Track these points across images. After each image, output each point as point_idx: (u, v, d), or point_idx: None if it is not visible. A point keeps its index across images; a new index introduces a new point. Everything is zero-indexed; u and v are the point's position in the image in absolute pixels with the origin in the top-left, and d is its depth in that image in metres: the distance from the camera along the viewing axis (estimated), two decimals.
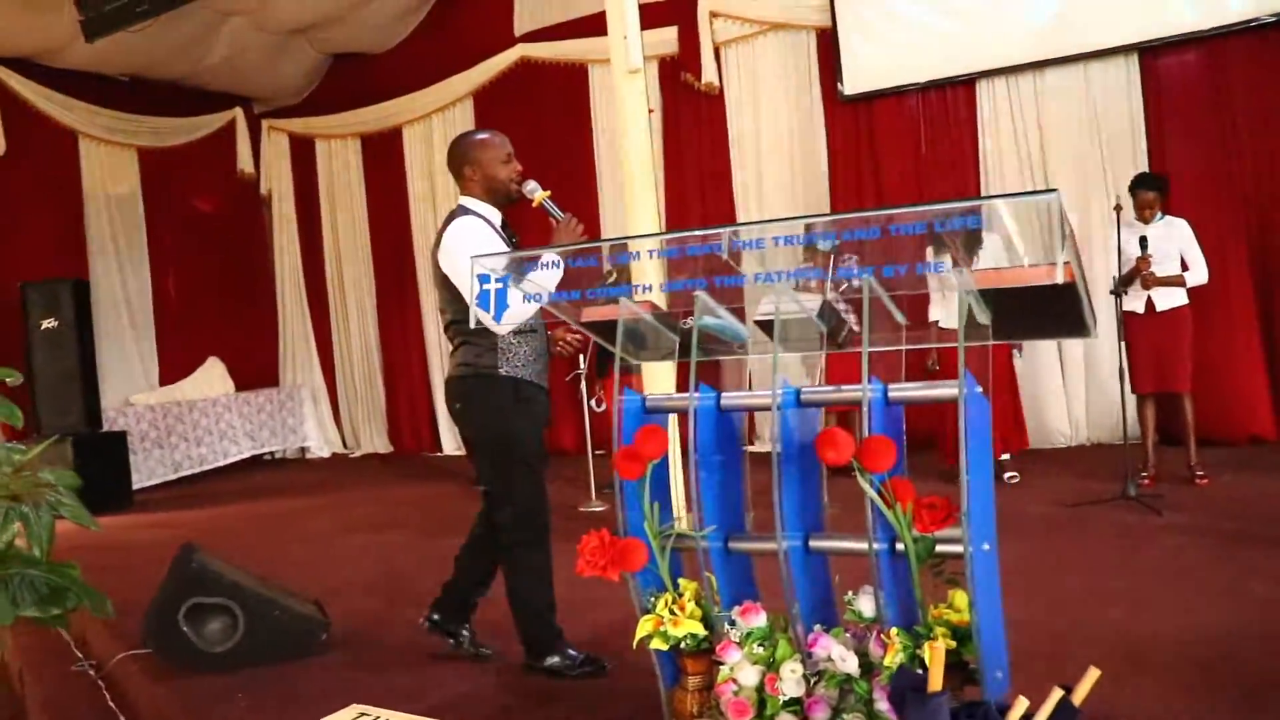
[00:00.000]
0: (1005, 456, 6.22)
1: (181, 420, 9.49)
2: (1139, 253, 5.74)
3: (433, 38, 10.02)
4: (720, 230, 2.39)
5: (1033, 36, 7.42)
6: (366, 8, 9.58)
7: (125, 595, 3.22)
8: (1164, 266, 5.79)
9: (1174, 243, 5.82)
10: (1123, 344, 5.72)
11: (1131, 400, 5.77)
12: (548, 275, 2.74)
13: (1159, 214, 5.87)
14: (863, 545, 2.33)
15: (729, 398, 2.61)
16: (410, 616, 3.89)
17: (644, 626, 2.59)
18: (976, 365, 2.36)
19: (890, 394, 2.38)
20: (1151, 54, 7.18)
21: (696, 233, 2.36)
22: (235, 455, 9.92)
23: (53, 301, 8.26)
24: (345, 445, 10.93)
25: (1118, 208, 5.69)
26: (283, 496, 8.39)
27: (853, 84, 8.01)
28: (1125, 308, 6.01)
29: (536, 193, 3.39)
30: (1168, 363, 5.82)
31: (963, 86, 7.76)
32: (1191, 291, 6.19)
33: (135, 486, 8.58)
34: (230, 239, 10.77)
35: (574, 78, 9.27)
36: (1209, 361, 6.86)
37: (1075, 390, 7.36)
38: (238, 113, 10.81)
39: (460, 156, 3.49)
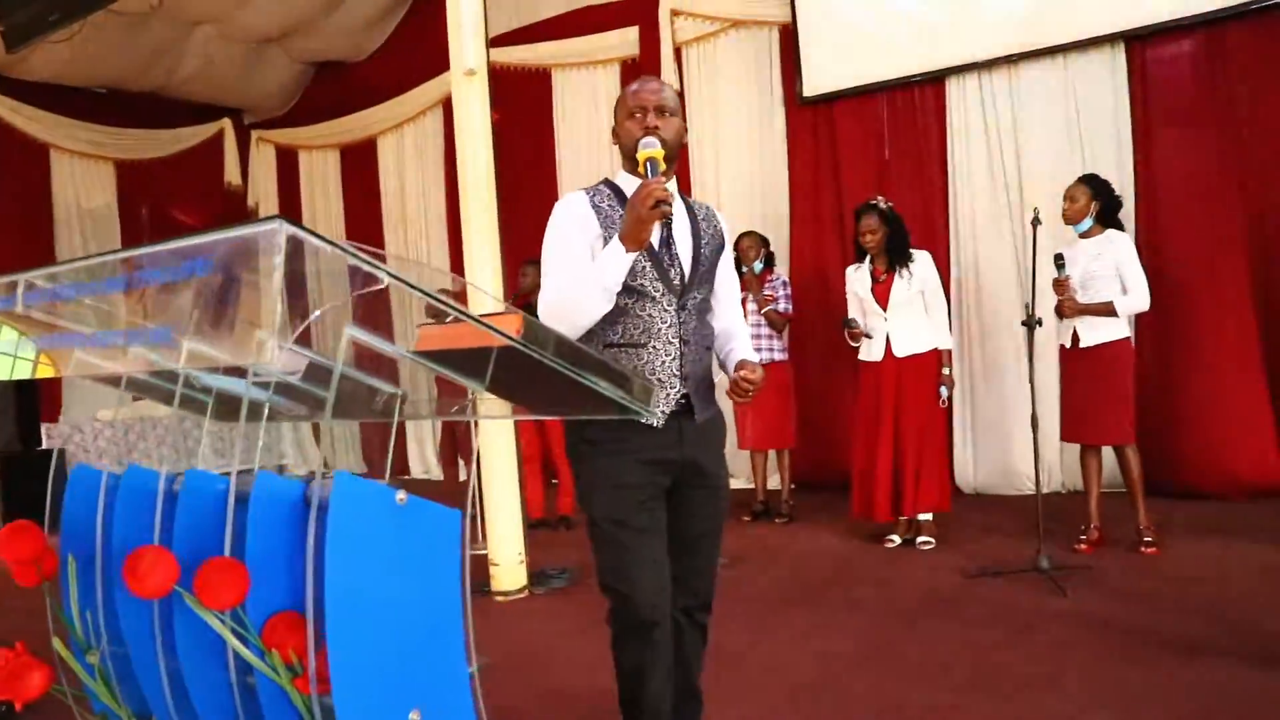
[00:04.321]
0: (924, 517, 5.36)
1: (144, 438, 9.25)
2: (1057, 274, 4.88)
3: (405, 46, 9.64)
4: None
5: (1007, 27, 6.59)
6: (333, 16, 9.27)
7: None
8: (1095, 291, 4.91)
9: (1109, 261, 4.91)
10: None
11: (1054, 449, 4.88)
12: (627, 265, 2.31)
13: (1088, 219, 4.98)
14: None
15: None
16: None
17: None
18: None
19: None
20: (1139, 43, 6.28)
21: None
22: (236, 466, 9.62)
23: None
24: (326, 465, 10.58)
25: (1035, 221, 4.80)
26: None
27: (812, 85, 7.31)
28: (1058, 341, 5.14)
29: (642, 150, 2.37)
30: (1094, 410, 4.93)
31: (931, 85, 6.97)
32: (1144, 320, 5.28)
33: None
34: None
35: (539, 82, 8.72)
36: (1199, 397, 5.92)
37: (1048, 431, 6.41)
38: (226, 124, 10.65)
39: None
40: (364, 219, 10.12)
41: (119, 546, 2.00)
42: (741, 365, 2.47)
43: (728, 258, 2.64)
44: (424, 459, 9.47)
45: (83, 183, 9.65)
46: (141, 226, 10.02)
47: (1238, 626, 3.66)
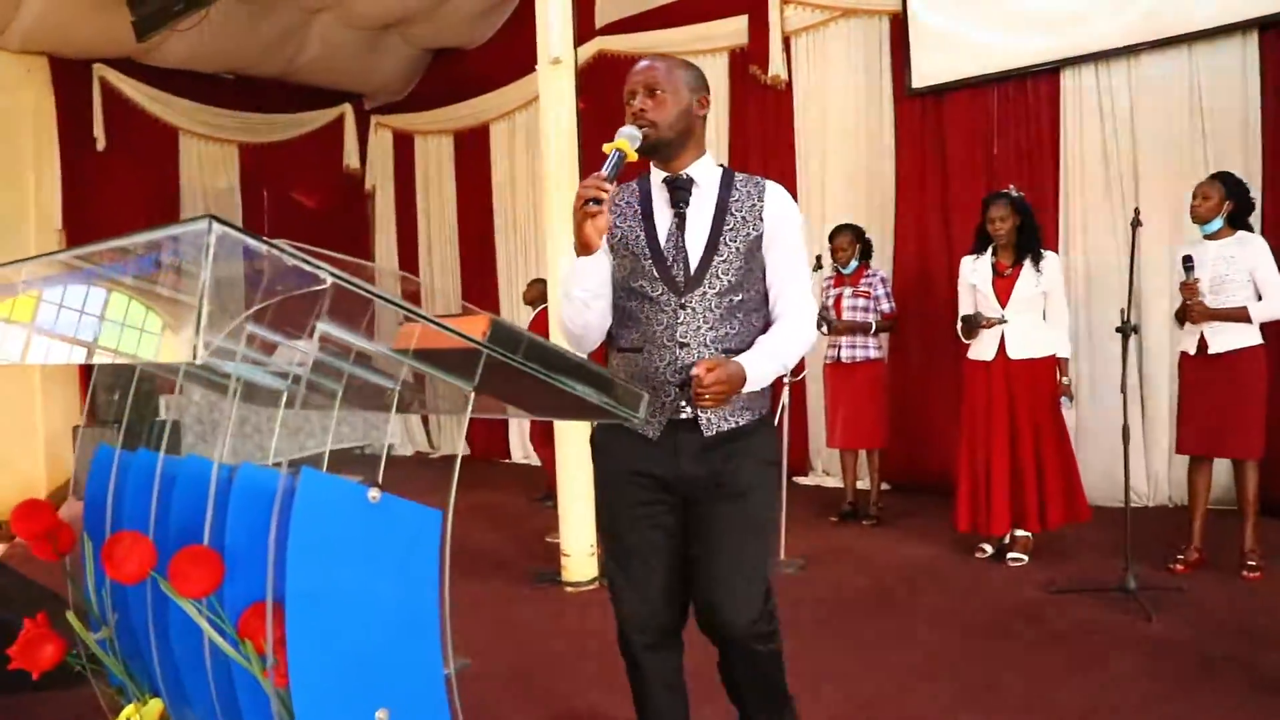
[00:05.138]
0: (1021, 533, 5.09)
1: (256, 411, 9.54)
2: (1185, 277, 4.59)
3: (519, 33, 9.65)
4: None
5: (1129, 15, 6.22)
6: (448, 3, 9.37)
7: None
8: (1227, 295, 4.60)
9: (1243, 264, 4.60)
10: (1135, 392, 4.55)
11: (1144, 463, 4.61)
12: (584, 270, 2.24)
13: (1218, 220, 4.66)
14: None
15: None
16: None
17: None
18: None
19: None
20: (1276, 31, 5.82)
21: None
22: (313, 448, 9.92)
23: None
24: (431, 444, 10.79)
25: (1135, 222, 4.52)
26: None
27: (921, 76, 7.06)
28: (1180, 347, 4.84)
29: (617, 139, 2.22)
30: (1221, 421, 4.61)
31: (1044, 77, 6.64)
32: (1274, 329, 4.94)
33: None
34: (333, 234, 10.79)
35: None
36: None
37: (1157, 441, 6.09)
38: (346, 109, 10.90)
39: None
40: (475, 204, 10.24)
41: (126, 528, 2.04)
42: (701, 362, 2.08)
43: (782, 242, 2.30)
44: (524, 444, 9.53)
45: (208, 165, 10.00)
46: (262, 208, 10.37)
47: None
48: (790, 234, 2.31)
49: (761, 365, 2.19)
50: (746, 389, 2.16)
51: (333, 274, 1.34)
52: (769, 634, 2.33)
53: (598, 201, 2.05)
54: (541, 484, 7.47)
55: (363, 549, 1.67)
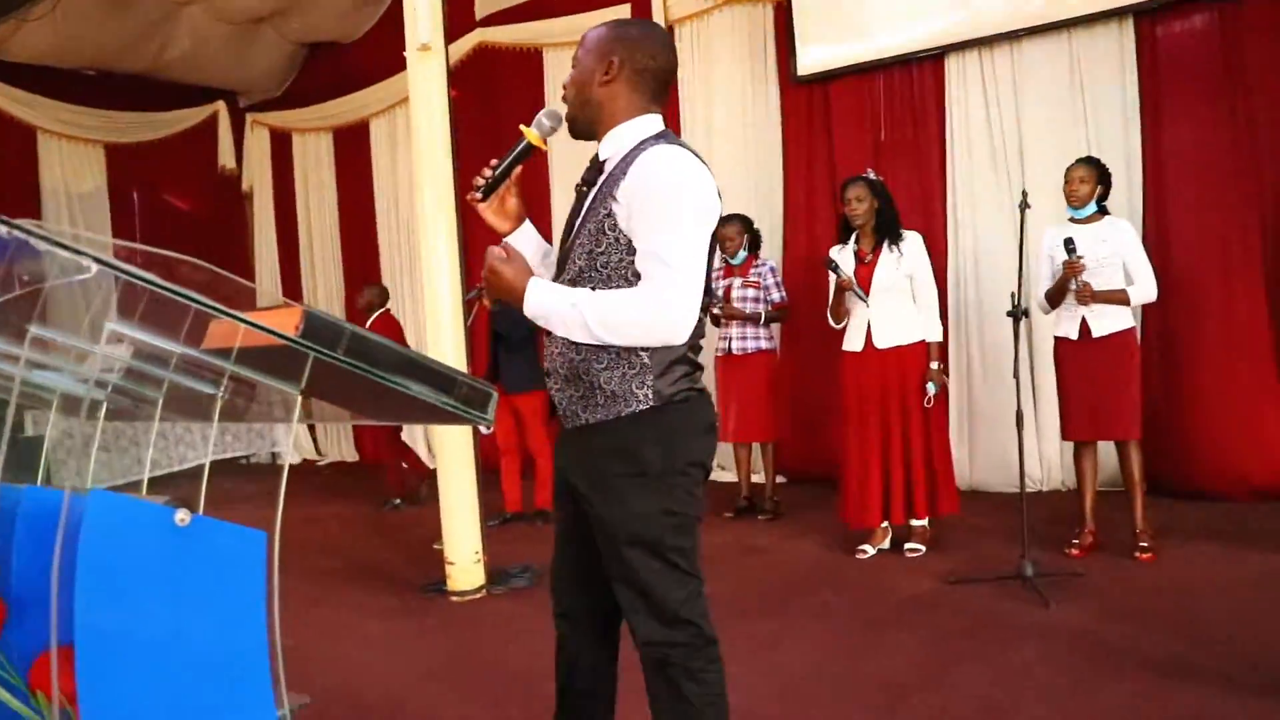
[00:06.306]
0: (916, 523, 5.01)
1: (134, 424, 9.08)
2: (1065, 256, 4.57)
3: (397, 26, 9.30)
4: None
5: (1010, 2, 6.23)
6: None
7: None
8: (1104, 279, 4.61)
9: (1115, 248, 4.61)
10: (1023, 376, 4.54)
11: (1036, 447, 4.60)
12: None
13: (1092, 205, 4.67)
14: None
15: None
16: None
17: None
18: None
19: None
20: (1149, 19, 5.94)
21: None
22: (194, 460, 9.46)
23: None
24: (318, 452, 10.41)
25: (1023, 205, 4.50)
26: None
27: (807, 63, 7.00)
28: (1057, 332, 4.83)
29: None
30: (1106, 403, 4.63)
31: (929, 63, 6.64)
32: (1148, 310, 5.00)
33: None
34: (209, 237, 10.33)
35: (530, 62, 8.47)
36: (1207, 391, 5.62)
37: (1049, 425, 6.12)
38: (220, 106, 10.45)
39: None
40: (357, 203, 9.92)
41: None
42: (493, 249, 2.02)
43: (640, 214, 1.96)
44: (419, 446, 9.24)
45: (71, 166, 9.48)
46: (133, 211, 9.88)
47: (1226, 645, 3.38)
48: (649, 204, 1.95)
49: (550, 299, 1.97)
50: (526, 305, 1.97)
51: (96, 259, 1.12)
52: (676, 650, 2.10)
53: (480, 189, 2.04)
54: (385, 488, 7.54)
55: (169, 580, 1.45)
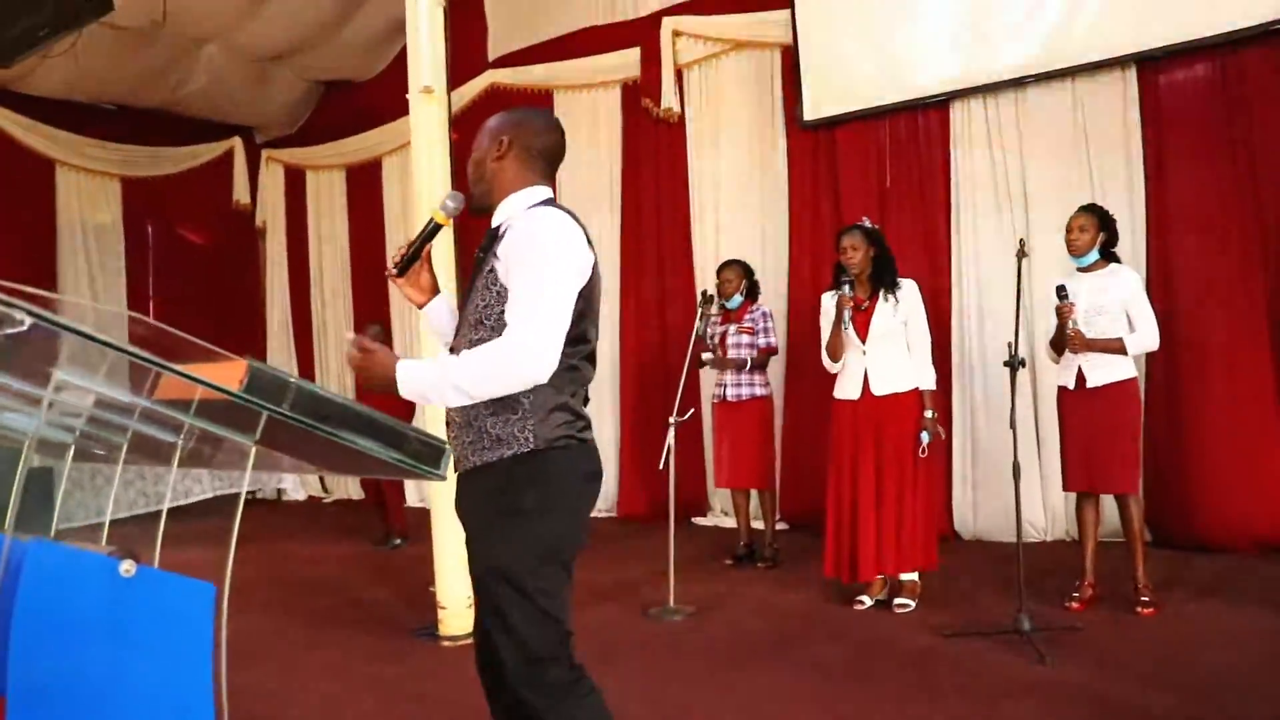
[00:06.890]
0: (906, 577, 4.88)
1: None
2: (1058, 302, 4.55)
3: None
4: None
5: (1015, 50, 6.29)
6: (339, 35, 9.15)
7: None
8: (1102, 327, 4.57)
9: (1116, 296, 4.58)
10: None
11: (1040, 496, 4.54)
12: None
13: (1094, 252, 4.64)
14: None
15: None
16: None
17: None
18: None
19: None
20: (1152, 66, 5.94)
21: None
22: (199, 494, 9.46)
23: None
24: (324, 489, 10.41)
25: (1020, 253, 4.48)
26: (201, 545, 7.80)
27: (813, 108, 7.02)
28: (1058, 381, 4.79)
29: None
30: (1101, 456, 4.57)
31: (935, 110, 6.67)
32: (1151, 360, 4.94)
33: (78, 523, 8.07)
34: (222, 272, 10.45)
35: (541, 103, 8.53)
36: (1211, 443, 5.56)
37: (1053, 474, 6.05)
38: (235, 143, 10.56)
39: None
40: (368, 240, 9.97)
41: None
42: (356, 340, 2.12)
43: (515, 270, 2.10)
44: (419, 486, 9.23)
45: (88, 199, 9.58)
46: (147, 244, 9.96)
47: (1228, 704, 3.31)
48: (520, 260, 2.10)
49: (419, 374, 2.07)
50: (401, 389, 2.05)
51: (30, 312, 1.12)
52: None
53: (396, 266, 2.31)
54: (384, 527, 7.53)
55: (111, 632, 1.44)
